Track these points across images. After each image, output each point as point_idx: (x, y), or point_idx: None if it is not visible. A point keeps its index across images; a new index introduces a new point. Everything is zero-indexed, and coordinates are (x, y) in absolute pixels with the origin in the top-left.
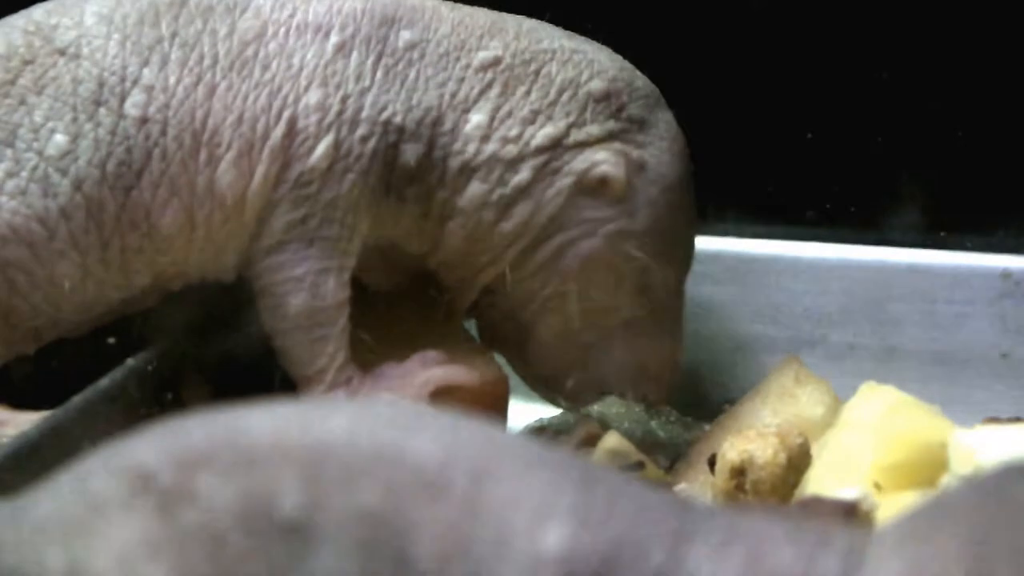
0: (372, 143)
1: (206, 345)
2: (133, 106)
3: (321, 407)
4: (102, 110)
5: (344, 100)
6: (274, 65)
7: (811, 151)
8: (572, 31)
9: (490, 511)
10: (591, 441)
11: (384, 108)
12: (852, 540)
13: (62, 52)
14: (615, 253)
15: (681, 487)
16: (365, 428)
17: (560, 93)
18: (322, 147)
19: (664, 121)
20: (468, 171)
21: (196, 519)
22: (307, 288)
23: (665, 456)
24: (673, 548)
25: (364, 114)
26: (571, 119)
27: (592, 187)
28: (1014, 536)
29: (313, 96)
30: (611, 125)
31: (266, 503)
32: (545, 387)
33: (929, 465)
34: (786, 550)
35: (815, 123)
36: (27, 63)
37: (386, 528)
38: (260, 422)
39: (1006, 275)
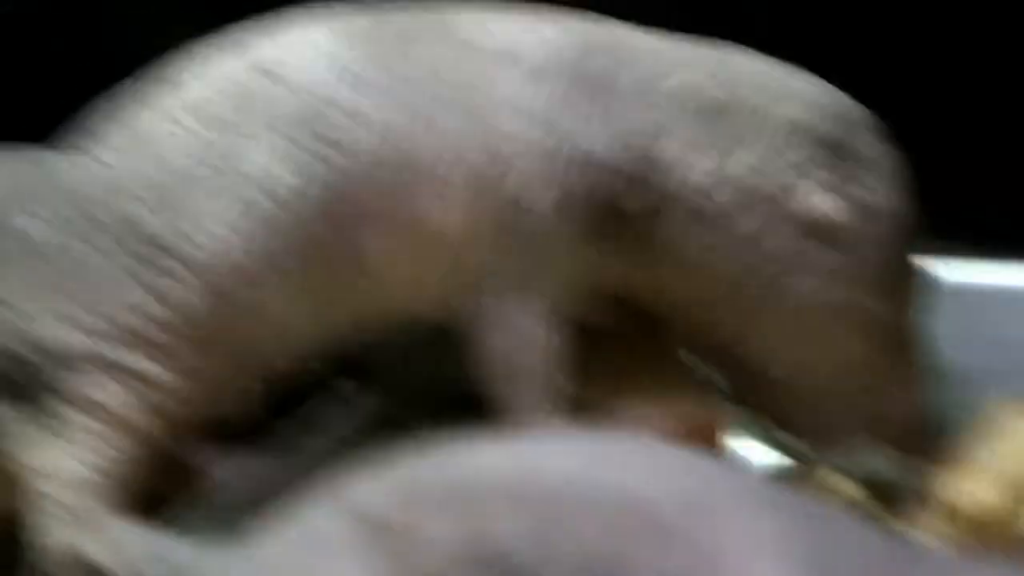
0: (583, 184)
1: (430, 376)
2: (344, 136)
3: (549, 444)
4: (314, 140)
5: (556, 139)
6: (484, 99)
7: None
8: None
9: (711, 550)
10: (818, 483)
11: (596, 148)
12: None
13: (272, 78)
14: (848, 299)
15: (907, 530)
16: (594, 467)
17: (781, 133)
18: (532, 186)
19: (885, 154)
20: (692, 217)
21: (421, 561)
22: (512, 332)
23: (890, 498)
24: None
25: (576, 153)
26: (793, 160)
27: (821, 232)
28: None
29: (524, 133)
30: (834, 164)
31: (492, 547)
32: (785, 437)
33: None
34: None
35: None
36: (241, 94)
37: (605, 569)
38: (485, 461)
39: None
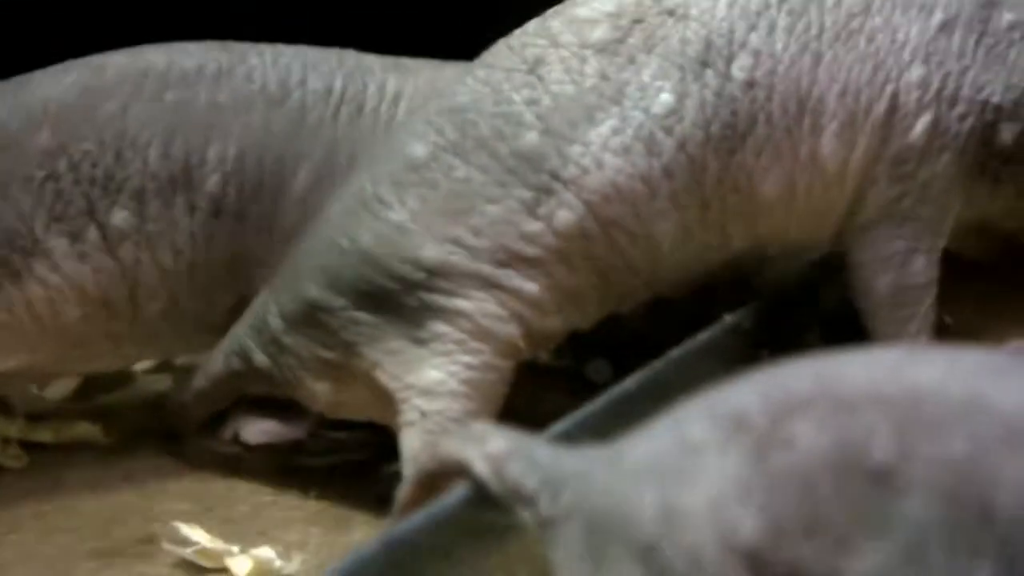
0: (970, 122)
1: (816, 298)
2: (740, 69)
3: (914, 356)
4: (709, 72)
5: (945, 78)
6: (879, 39)
7: None
8: None
9: None
10: None
11: (983, 87)
12: None
13: (671, 12)
14: None
15: None
16: (956, 377)
17: None
18: (921, 125)
19: None
20: None
21: (789, 463)
22: (896, 268)
23: None
24: None
25: (963, 92)
26: None
27: None
28: None
29: (915, 72)
30: None
31: (858, 450)
32: None
33: None
34: None
35: None
36: (637, 22)
37: (971, 478)
38: (855, 370)
39: None
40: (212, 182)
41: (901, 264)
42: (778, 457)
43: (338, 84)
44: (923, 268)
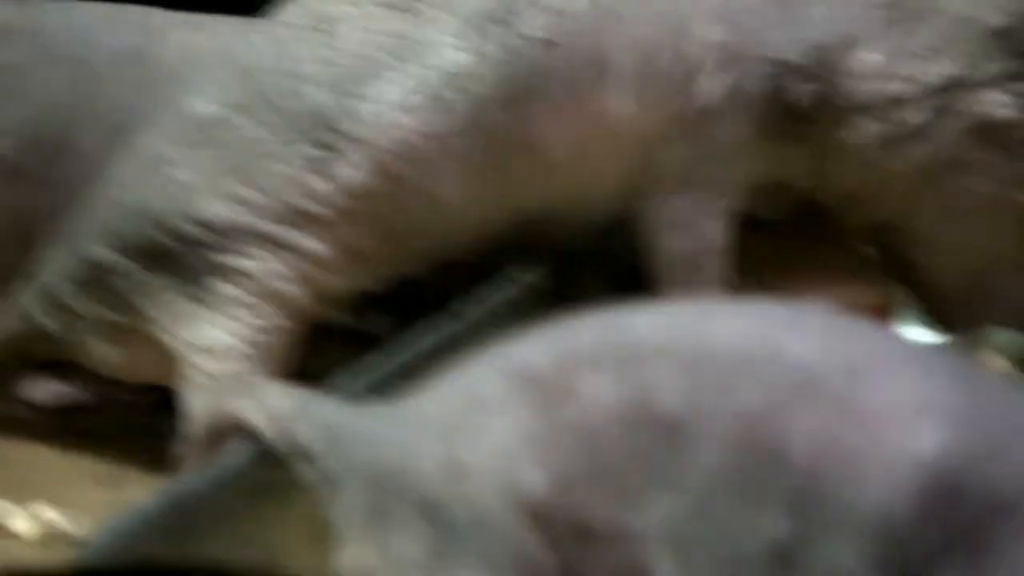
0: (765, 82)
1: (607, 254)
2: (534, 28)
3: (705, 308)
4: (503, 30)
5: (740, 37)
6: (678, 2)
7: None
8: None
9: (865, 410)
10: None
11: (778, 46)
12: None
13: None
14: (1006, 195)
15: None
16: (747, 329)
17: (957, 29)
18: (716, 85)
19: None
20: (861, 110)
21: (576, 417)
22: (688, 230)
23: None
24: None
25: (758, 52)
26: (968, 57)
27: (991, 130)
28: None
29: (710, 32)
30: (1011, 64)
31: (647, 403)
32: (940, 320)
33: None
34: None
35: None
36: None
37: (763, 430)
38: (645, 323)
39: None
40: (2, 144)
41: (694, 226)
42: (566, 410)
43: (131, 42)
44: (717, 232)
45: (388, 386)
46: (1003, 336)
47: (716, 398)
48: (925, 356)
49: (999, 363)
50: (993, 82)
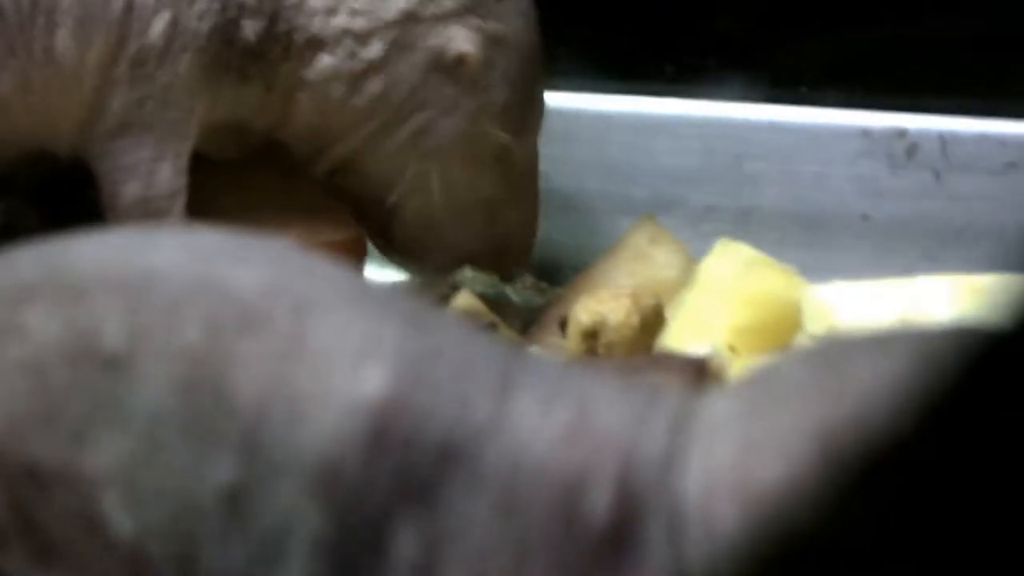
0: (211, 20)
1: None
2: None
3: (148, 236)
4: None
5: None
6: None
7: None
8: None
9: (310, 348)
10: (443, 302)
11: None
12: (685, 403)
13: None
14: (475, 132)
15: (533, 349)
16: (192, 259)
17: None
18: (159, 23)
19: None
20: (315, 45)
21: (21, 353)
22: (140, 176)
23: (518, 320)
24: (497, 402)
25: None
26: None
27: (448, 65)
28: (854, 412)
29: None
30: None
31: (89, 337)
32: (406, 261)
33: (784, 325)
34: (614, 409)
35: None
36: None
37: (205, 365)
38: (86, 253)
39: (865, 134)
40: None
41: (145, 172)
42: (10, 347)
43: None
44: (169, 176)
45: None
46: (480, 279)
47: (158, 332)
48: (378, 296)
49: (475, 306)
50: (450, 16)
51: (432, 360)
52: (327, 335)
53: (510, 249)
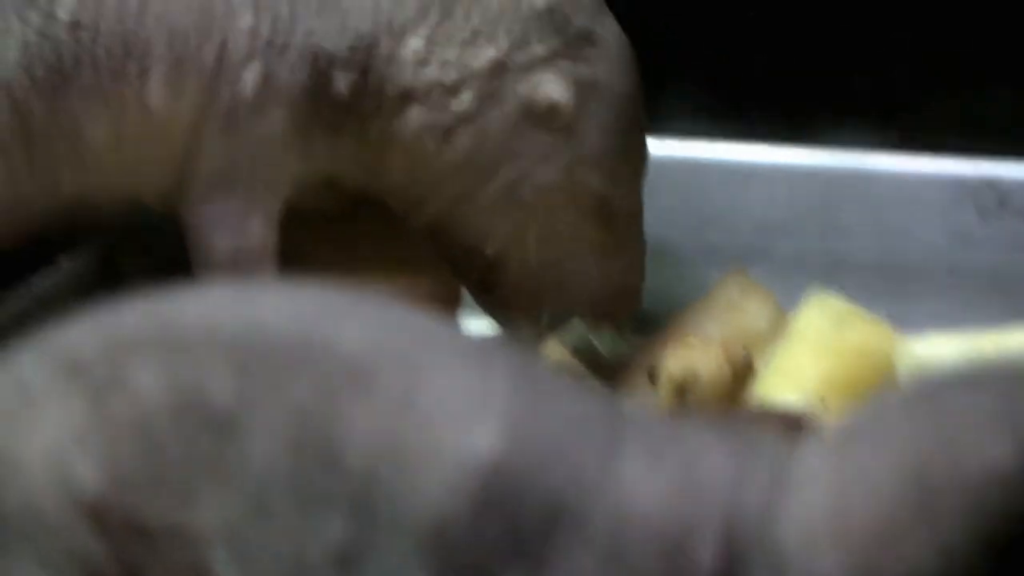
0: (301, 72)
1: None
2: (64, 10)
3: (253, 293)
4: (32, 11)
5: (274, 25)
6: None
7: (756, 49)
8: None
9: (419, 406)
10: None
11: (314, 34)
12: (783, 455)
13: None
14: (571, 181)
15: (621, 398)
16: (296, 314)
17: (500, 11)
18: (249, 76)
19: (610, 29)
20: (406, 98)
21: (126, 408)
22: (231, 229)
23: (607, 370)
24: (605, 458)
25: (293, 40)
26: (513, 39)
27: (540, 113)
28: (950, 448)
29: (243, 19)
30: (556, 43)
31: (196, 394)
32: (508, 314)
33: (876, 378)
34: (717, 463)
35: (760, 18)
36: None
37: (314, 424)
38: (191, 308)
39: (960, 183)
40: None
41: (236, 226)
42: (116, 402)
43: None
44: (260, 230)
45: None
46: (569, 330)
47: (267, 391)
48: (483, 350)
49: (564, 358)
50: (540, 62)
51: (541, 416)
52: (436, 392)
53: (617, 298)
